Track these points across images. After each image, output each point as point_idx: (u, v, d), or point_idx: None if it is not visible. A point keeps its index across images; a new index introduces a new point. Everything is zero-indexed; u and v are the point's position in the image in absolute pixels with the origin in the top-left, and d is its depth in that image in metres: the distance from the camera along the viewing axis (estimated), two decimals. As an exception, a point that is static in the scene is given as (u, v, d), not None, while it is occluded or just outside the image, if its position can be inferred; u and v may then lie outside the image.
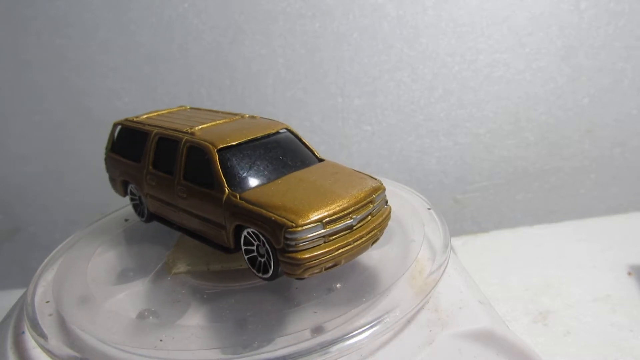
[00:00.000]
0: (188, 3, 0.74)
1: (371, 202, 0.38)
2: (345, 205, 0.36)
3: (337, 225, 0.36)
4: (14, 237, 0.84)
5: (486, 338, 0.35)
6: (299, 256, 0.34)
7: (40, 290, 0.42)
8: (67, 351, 0.34)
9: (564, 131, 0.86)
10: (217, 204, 0.39)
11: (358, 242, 0.37)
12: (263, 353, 0.33)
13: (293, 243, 0.34)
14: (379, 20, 0.77)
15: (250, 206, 0.36)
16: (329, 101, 0.81)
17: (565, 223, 0.89)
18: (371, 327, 0.34)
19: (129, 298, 0.41)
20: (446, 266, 0.41)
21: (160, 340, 0.35)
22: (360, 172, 0.42)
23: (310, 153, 0.45)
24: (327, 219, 0.35)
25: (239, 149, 0.41)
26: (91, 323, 0.37)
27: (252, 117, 0.48)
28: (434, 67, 0.80)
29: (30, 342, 0.37)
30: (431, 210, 0.51)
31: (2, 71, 0.74)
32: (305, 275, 0.35)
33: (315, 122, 0.82)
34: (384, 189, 0.40)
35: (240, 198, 0.37)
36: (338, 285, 0.39)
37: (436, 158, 0.86)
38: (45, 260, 0.47)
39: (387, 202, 0.41)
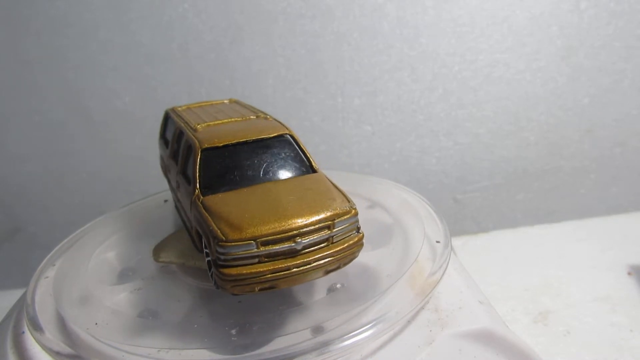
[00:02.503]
0: (188, 3, 0.74)
1: (328, 227, 0.34)
2: (288, 227, 0.33)
3: (275, 247, 0.32)
4: (14, 237, 0.84)
5: (486, 338, 0.35)
6: (226, 271, 0.32)
7: (40, 290, 0.42)
8: (67, 350, 0.34)
9: (564, 131, 0.86)
10: (188, 202, 0.39)
11: (301, 268, 0.33)
12: (263, 353, 0.33)
13: (222, 257, 0.32)
14: (379, 20, 0.77)
15: (203, 210, 0.35)
16: (329, 101, 0.81)
17: (565, 223, 0.89)
18: (371, 327, 0.34)
19: (129, 298, 0.41)
20: (446, 266, 0.41)
21: (96, 324, 0.35)
22: (340, 191, 0.37)
23: (304, 162, 0.41)
24: (264, 239, 0.32)
25: (224, 150, 0.39)
26: (91, 323, 0.37)
27: (265, 117, 0.47)
28: (434, 67, 0.80)
29: (31, 341, 0.37)
30: (432, 211, 0.51)
31: (2, 71, 0.74)
32: (236, 292, 0.33)
33: (315, 122, 0.82)
34: (354, 214, 0.35)
35: (202, 201, 0.36)
36: (338, 285, 0.39)
37: (436, 158, 0.86)
38: (45, 260, 0.47)
39: (358, 229, 0.36)
